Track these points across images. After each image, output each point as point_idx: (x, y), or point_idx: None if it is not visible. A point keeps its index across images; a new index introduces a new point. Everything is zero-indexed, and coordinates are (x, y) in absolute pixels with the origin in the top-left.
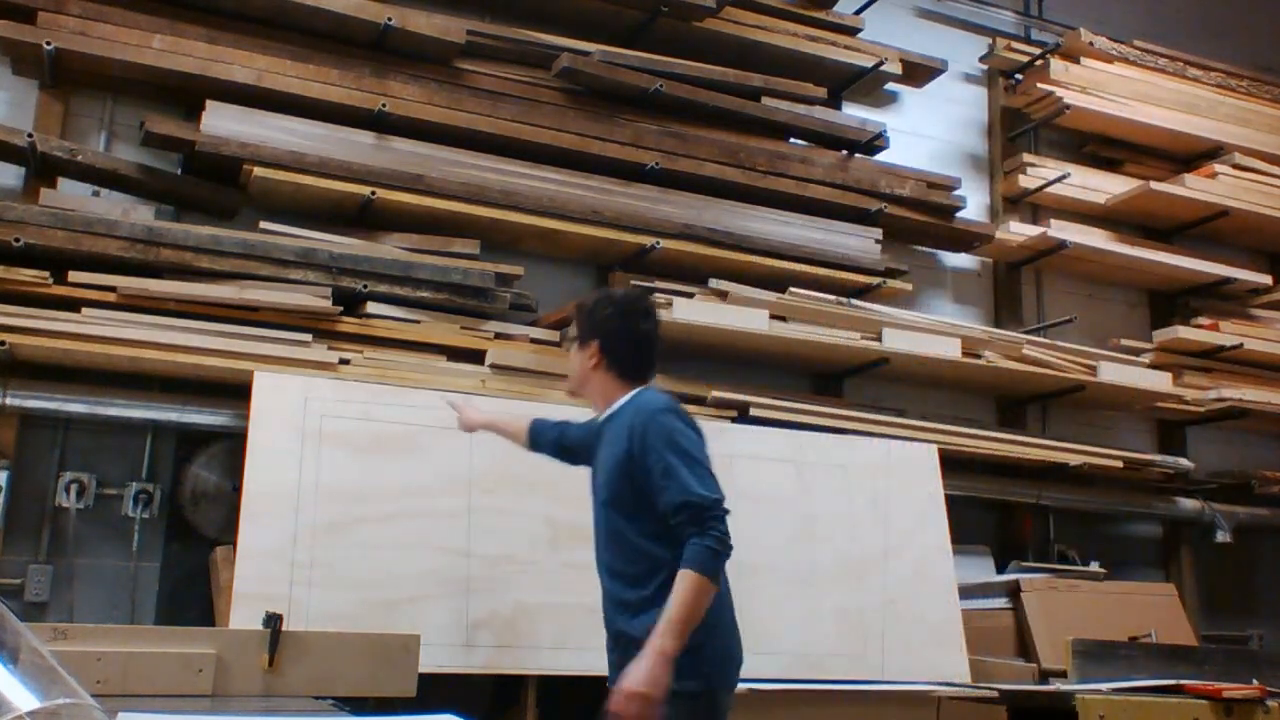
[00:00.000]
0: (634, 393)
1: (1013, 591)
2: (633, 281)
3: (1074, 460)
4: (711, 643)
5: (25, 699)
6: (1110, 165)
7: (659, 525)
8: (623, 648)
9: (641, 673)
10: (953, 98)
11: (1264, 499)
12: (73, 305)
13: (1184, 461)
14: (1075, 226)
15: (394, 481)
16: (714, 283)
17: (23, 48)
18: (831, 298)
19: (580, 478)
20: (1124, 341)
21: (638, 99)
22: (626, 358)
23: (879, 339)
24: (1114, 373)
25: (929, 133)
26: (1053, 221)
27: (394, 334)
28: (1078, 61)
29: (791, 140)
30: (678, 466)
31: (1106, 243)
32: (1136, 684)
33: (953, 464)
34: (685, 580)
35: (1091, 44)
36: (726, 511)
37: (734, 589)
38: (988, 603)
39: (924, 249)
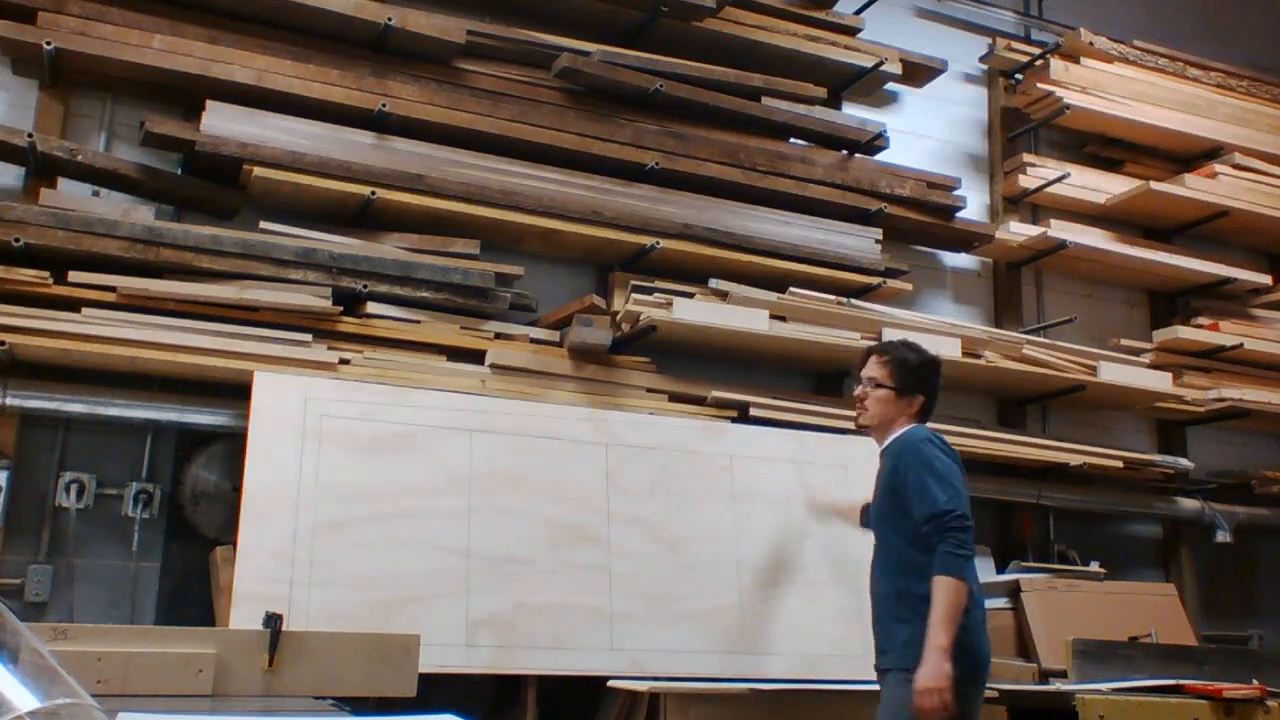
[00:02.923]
0: (910, 427)
1: (1013, 591)
2: (633, 281)
3: (1074, 460)
4: (960, 640)
5: (25, 699)
6: (1110, 165)
7: (916, 533)
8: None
9: (927, 670)
10: (953, 98)
11: (1264, 499)
12: (73, 305)
13: (1184, 461)
14: (1075, 226)
15: (394, 481)
16: (714, 283)
17: (23, 48)
18: (831, 298)
19: (580, 478)
20: (1124, 341)
21: (638, 99)
22: (929, 409)
23: (879, 339)
24: (1114, 373)
25: (929, 133)
26: (1053, 221)
27: (394, 334)
28: (1078, 61)
29: (791, 140)
30: (930, 484)
31: (1106, 243)
32: (1136, 684)
33: None
34: (938, 585)
35: (1091, 44)
36: (969, 523)
37: (734, 590)
38: (988, 603)
39: (924, 249)
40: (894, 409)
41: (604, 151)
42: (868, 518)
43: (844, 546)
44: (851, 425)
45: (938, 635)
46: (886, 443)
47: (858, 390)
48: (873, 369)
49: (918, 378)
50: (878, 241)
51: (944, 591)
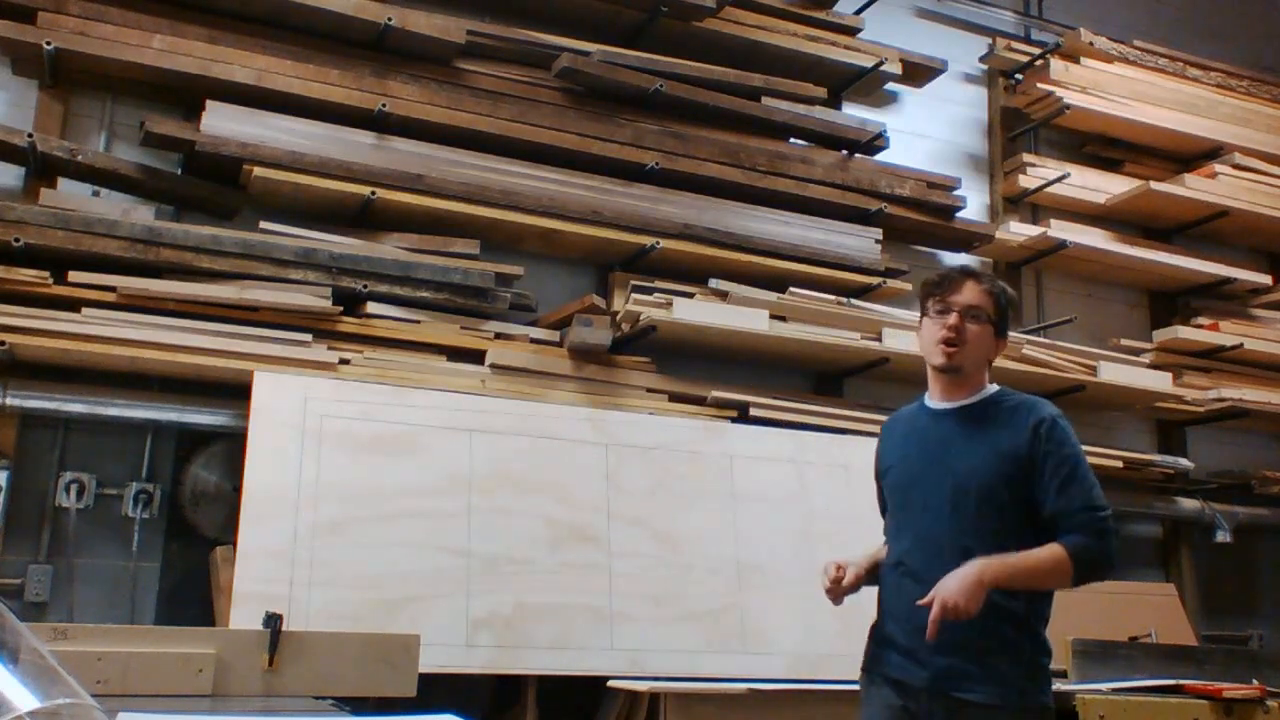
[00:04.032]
0: (1035, 397)
1: None
2: (633, 281)
3: None
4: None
5: (25, 699)
6: (1110, 165)
7: (1027, 522)
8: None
9: (961, 584)
10: (953, 98)
11: (1264, 499)
12: (73, 305)
13: (1184, 461)
14: (1075, 226)
15: (394, 481)
16: (714, 283)
17: (23, 48)
18: (831, 298)
19: (580, 478)
20: (1124, 341)
21: (638, 99)
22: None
23: (879, 339)
24: (1114, 373)
25: (929, 133)
26: (1053, 221)
27: (394, 334)
28: (1078, 61)
29: (791, 140)
30: (1092, 476)
31: (1106, 243)
32: (1136, 684)
33: None
34: (1055, 554)
35: (1091, 44)
36: (1115, 532)
37: (734, 590)
38: None
39: (924, 249)
40: (990, 351)
41: (604, 151)
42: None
43: (844, 546)
44: (852, 425)
45: (996, 572)
46: (983, 395)
47: (951, 319)
48: (973, 295)
49: (1006, 319)
50: (878, 241)
51: (1052, 563)
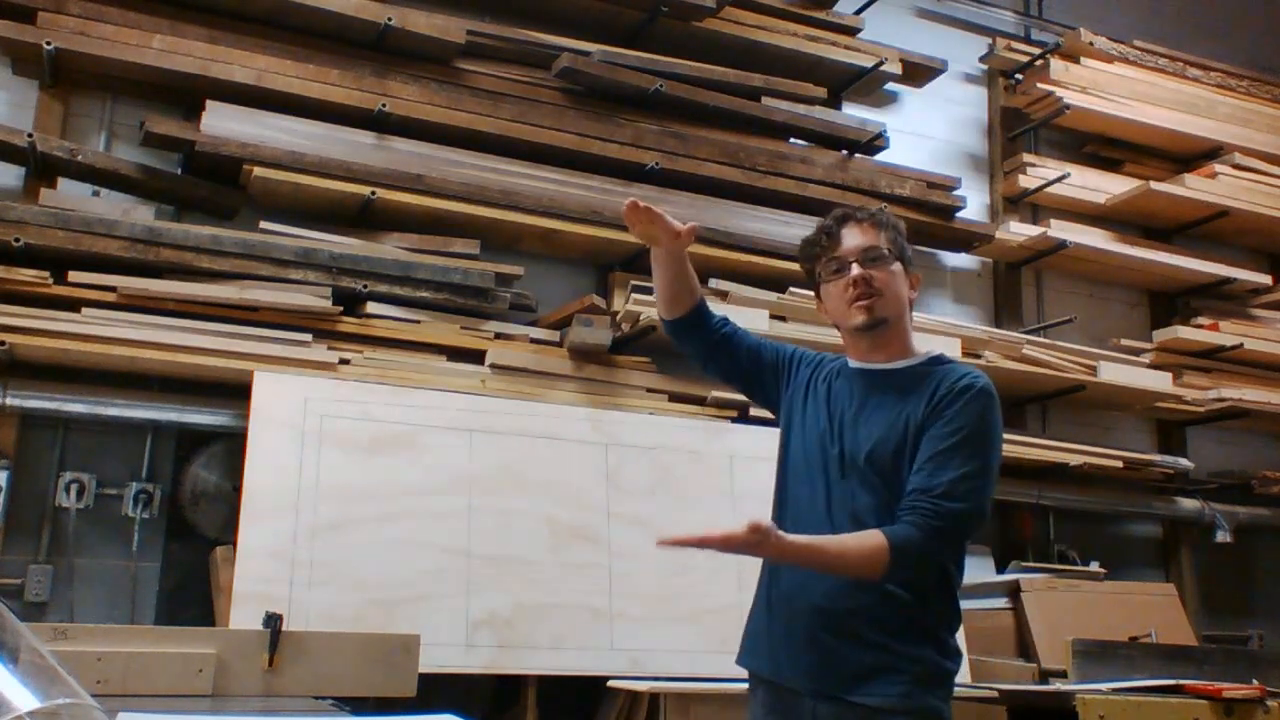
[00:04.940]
0: (968, 366)
1: (1013, 591)
2: (633, 281)
3: (1074, 460)
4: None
5: (25, 699)
6: (1110, 165)
7: (895, 499)
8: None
9: (769, 536)
10: (953, 98)
11: (1264, 499)
12: (73, 305)
13: (1184, 461)
14: (1075, 226)
15: (394, 481)
16: (714, 283)
17: (23, 48)
18: None
19: (580, 478)
20: (1124, 341)
21: (638, 99)
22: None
23: None
24: (1114, 373)
25: (929, 133)
26: (1053, 221)
27: (394, 334)
28: (1078, 61)
29: (791, 140)
30: (969, 459)
31: (1106, 243)
32: (1136, 684)
33: None
34: (870, 543)
35: (1091, 44)
36: (969, 534)
37: (734, 590)
38: (988, 602)
39: (924, 249)
40: (906, 289)
41: (604, 151)
42: (701, 315)
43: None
44: None
45: (794, 550)
46: (911, 361)
47: (853, 272)
48: (862, 236)
49: (908, 249)
50: None
51: (861, 556)
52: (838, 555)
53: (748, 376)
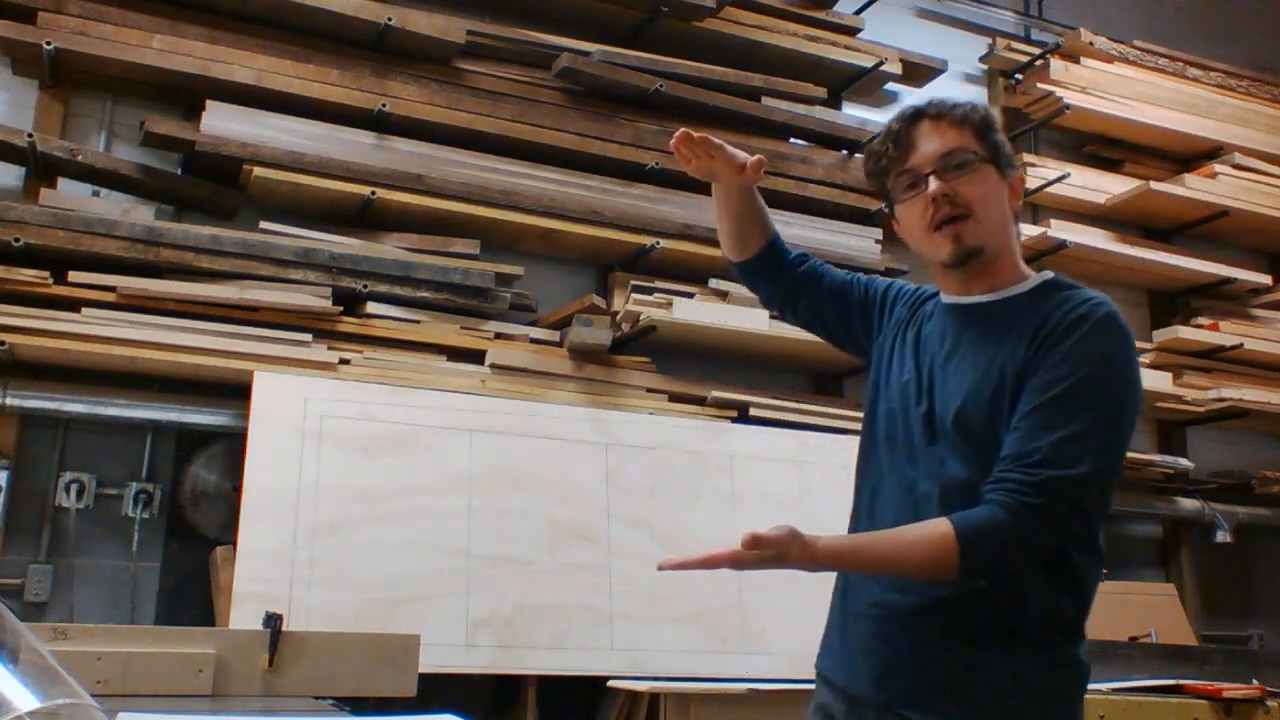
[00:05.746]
0: (1050, 277)
1: None
2: (633, 281)
3: None
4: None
5: (25, 699)
6: (1110, 165)
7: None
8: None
9: (790, 546)
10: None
11: (1264, 499)
12: (73, 305)
13: (1184, 461)
14: (1075, 226)
15: (394, 481)
16: (714, 283)
17: (23, 48)
18: None
19: (580, 478)
20: None
21: (638, 99)
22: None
23: None
24: None
25: None
26: (1053, 221)
27: (394, 334)
28: (1078, 61)
29: (791, 140)
30: (1083, 411)
31: (1106, 243)
32: (1136, 684)
33: None
34: (933, 534)
35: (1091, 44)
36: (1087, 509)
37: (734, 589)
38: None
39: None
40: (1006, 200)
41: (604, 151)
42: (777, 248)
43: None
44: (852, 425)
45: (830, 558)
46: (1019, 288)
47: (932, 187)
48: (944, 139)
49: (1005, 146)
50: (878, 241)
51: (920, 553)
52: (894, 554)
53: (831, 324)
